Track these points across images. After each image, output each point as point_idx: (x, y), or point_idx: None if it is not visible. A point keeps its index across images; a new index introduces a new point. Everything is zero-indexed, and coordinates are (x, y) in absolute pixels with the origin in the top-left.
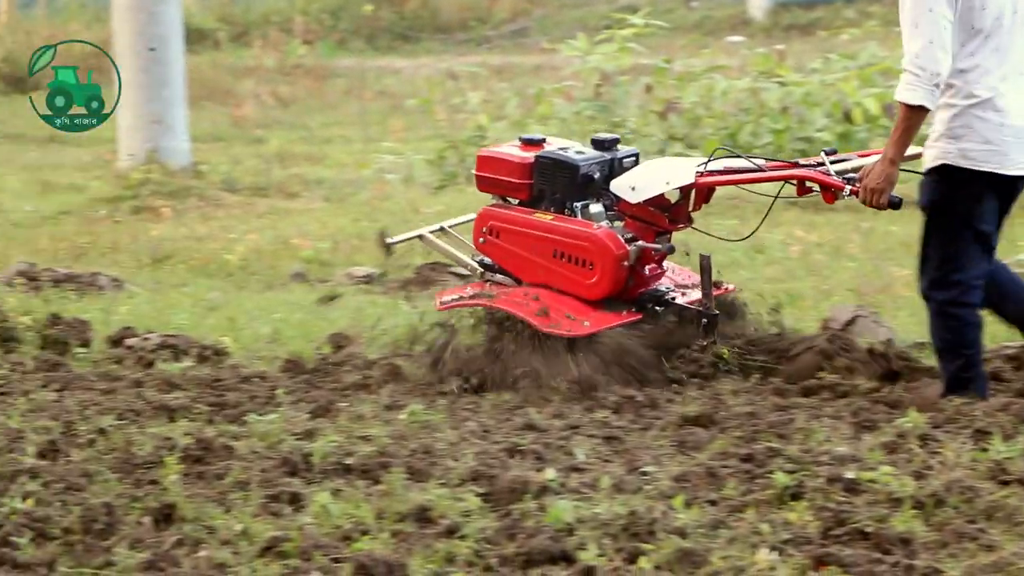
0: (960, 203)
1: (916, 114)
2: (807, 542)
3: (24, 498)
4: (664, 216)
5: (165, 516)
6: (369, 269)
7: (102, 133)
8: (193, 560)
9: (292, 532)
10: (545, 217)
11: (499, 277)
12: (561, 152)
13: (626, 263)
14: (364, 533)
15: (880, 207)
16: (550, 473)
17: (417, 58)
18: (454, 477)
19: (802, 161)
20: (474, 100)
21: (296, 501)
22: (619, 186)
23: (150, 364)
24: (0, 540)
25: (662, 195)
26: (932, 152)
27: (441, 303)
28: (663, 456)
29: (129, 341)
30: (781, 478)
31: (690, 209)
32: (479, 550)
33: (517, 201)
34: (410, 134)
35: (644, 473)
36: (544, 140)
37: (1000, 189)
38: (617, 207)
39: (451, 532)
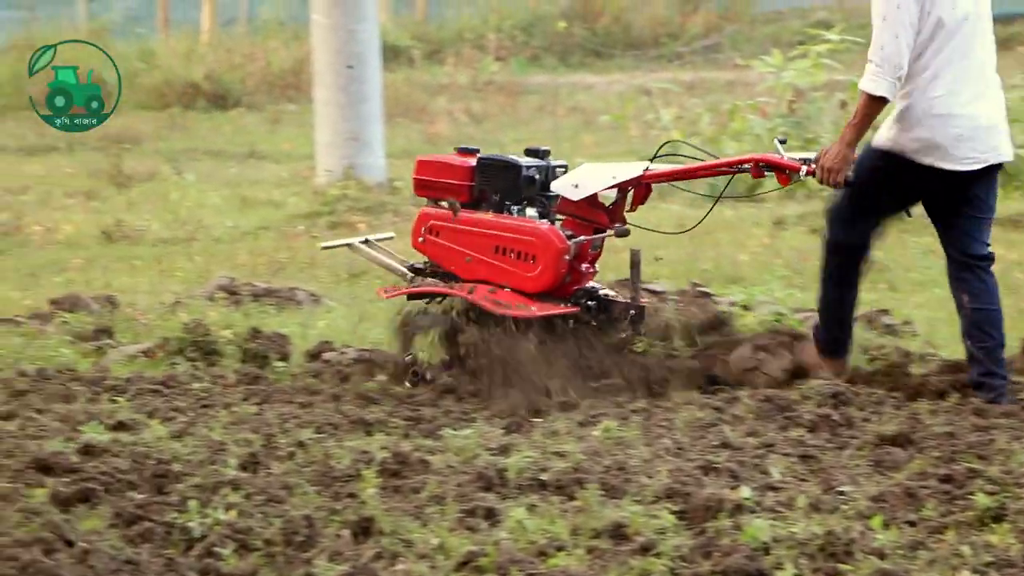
0: (897, 185)
1: (876, 103)
2: (1009, 565)
3: (227, 509)
4: (603, 214)
5: (363, 529)
6: None
7: (300, 150)
8: (391, 573)
9: (488, 547)
10: (486, 215)
11: (430, 281)
12: (502, 155)
13: (567, 257)
14: (559, 549)
15: (836, 186)
16: (745, 491)
17: (609, 74)
18: (648, 494)
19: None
20: (667, 116)
21: (492, 516)
22: (561, 185)
23: (347, 378)
24: (204, 551)
25: (597, 198)
26: (889, 134)
27: (386, 293)
28: (860, 476)
29: (327, 355)
30: (982, 499)
31: (626, 210)
32: (674, 568)
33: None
34: (602, 150)
35: (841, 493)
36: (479, 150)
37: (954, 184)
38: (556, 207)
39: (646, 549)
